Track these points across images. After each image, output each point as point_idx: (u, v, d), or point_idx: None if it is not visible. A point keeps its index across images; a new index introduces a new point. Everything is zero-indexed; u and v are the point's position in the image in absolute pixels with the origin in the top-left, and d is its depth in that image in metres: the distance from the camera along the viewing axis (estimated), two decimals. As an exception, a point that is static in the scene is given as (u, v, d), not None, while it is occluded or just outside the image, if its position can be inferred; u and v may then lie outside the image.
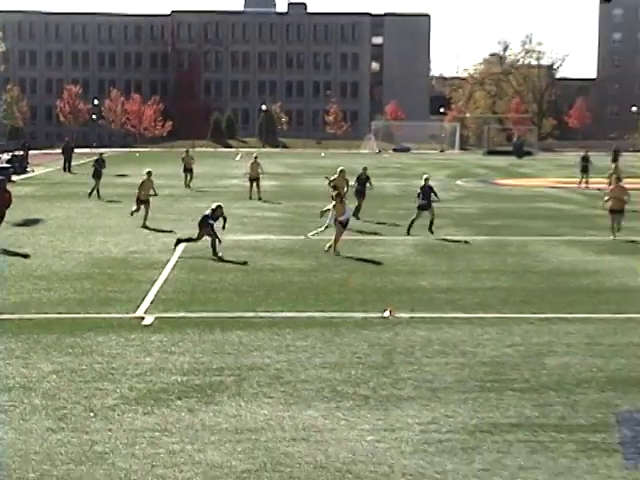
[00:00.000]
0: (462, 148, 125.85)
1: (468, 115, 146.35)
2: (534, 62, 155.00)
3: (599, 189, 47.13)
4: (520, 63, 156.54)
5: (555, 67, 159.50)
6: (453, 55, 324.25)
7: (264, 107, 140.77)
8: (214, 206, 26.16)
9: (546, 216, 37.03)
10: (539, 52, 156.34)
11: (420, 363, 14.42)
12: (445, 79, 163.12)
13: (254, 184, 43.97)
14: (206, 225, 25.64)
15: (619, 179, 28.79)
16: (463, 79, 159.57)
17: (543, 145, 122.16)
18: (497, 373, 13.88)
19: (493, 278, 22.41)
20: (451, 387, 13.16)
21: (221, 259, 24.81)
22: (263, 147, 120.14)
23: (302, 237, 28.97)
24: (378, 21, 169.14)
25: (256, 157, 45.66)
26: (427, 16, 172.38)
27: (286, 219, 35.56)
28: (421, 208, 30.30)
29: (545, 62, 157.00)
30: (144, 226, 31.64)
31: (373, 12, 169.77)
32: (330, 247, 26.15)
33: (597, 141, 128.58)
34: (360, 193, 35.90)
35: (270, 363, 14.37)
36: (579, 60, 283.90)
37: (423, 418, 11.80)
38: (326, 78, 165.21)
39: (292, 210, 39.22)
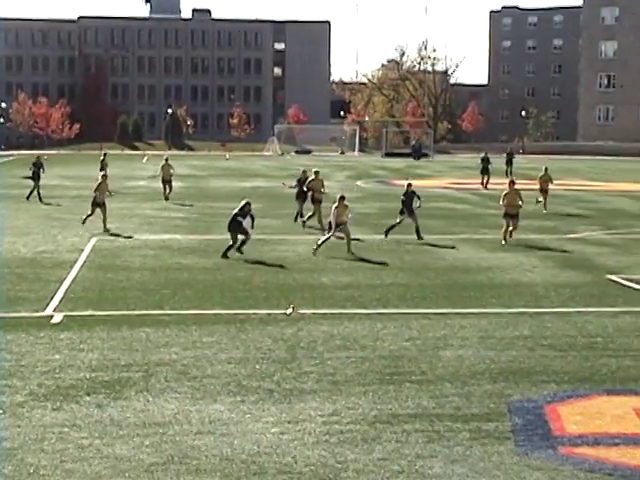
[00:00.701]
0: (361, 150, 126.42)
1: (367, 118, 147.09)
2: (429, 68, 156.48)
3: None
4: (416, 69, 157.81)
5: (449, 73, 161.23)
6: (352, 60, 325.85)
7: (170, 111, 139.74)
8: (243, 203, 25.60)
9: (442, 215, 37.41)
10: (434, 59, 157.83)
11: (322, 357, 14.47)
12: (345, 84, 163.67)
13: (166, 185, 43.54)
14: (237, 224, 25.15)
15: (513, 182, 28.84)
16: (362, 84, 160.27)
17: (438, 147, 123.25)
18: (396, 366, 13.99)
19: (392, 275, 22.58)
20: (352, 380, 13.23)
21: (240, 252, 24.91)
22: (169, 149, 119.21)
23: (210, 237, 28.77)
24: (280, 27, 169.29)
25: (167, 159, 45.29)
26: (327, 23, 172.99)
27: (192, 219, 35.37)
28: (403, 214, 29.25)
29: (440, 68, 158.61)
30: (105, 230, 30.31)
31: (275, 19, 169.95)
32: (348, 250, 25.95)
33: (489, 144, 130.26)
34: (300, 194, 33.79)
35: (177, 359, 14.29)
36: (472, 66, 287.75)
37: (325, 410, 11.85)
38: (230, 83, 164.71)
39: (198, 211, 39.02)
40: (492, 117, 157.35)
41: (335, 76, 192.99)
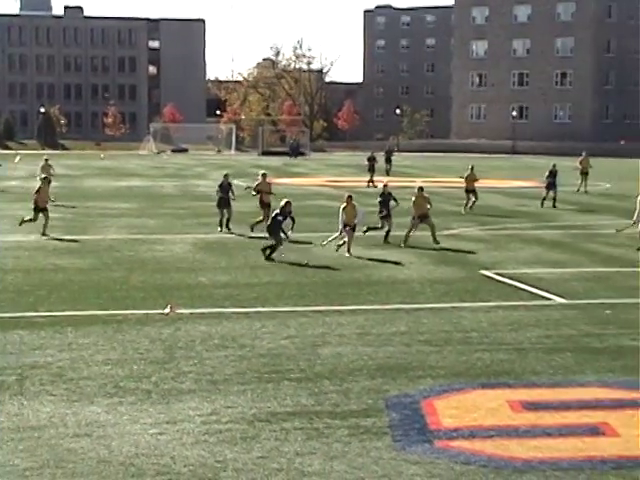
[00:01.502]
0: (238, 149, 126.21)
1: (243, 117, 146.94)
2: (305, 67, 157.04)
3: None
4: (292, 67, 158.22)
5: (324, 72, 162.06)
6: (228, 59, 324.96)
7: (42, 109, 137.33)
8: (283, 202, 25.12)
9: (318, 213, 37.57)
10: (309, 57, 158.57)
11: (201, 357, 14.40)
12: (221, 82, 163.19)
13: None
14: (278, 224, 24.65)
15: (421, 189, 28.75)
16: (238, 82, 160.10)
17: (314, 146, 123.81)
18: (274, 364, 14.00)
19: (269, 273, 22.60)
20: (231, 379, 13.20)
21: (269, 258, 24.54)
22: (43, 149, 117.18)
23: (85, 237, 28.29)
24: (154, 26, 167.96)
25: (47, 159, 44.50)
26: (202, 21, 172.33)
27: (67, 219, 34.83)
28: (383, 217, 28.69)
29: (315, 67, 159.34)
30: (44, 234, 29.53)
31: (149, 17, 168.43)
32: (348, 251, 25.79)
33: (364, 142, 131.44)
34: (224, 201, 31.14)
35: (52, 361, 14.05)
36: (347, 65, 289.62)
37: (204, 410, 11.79)
38: (104, 81, 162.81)
39: (73, 210, 38.45)
40: (367, 115, 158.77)
41: (211, 75, 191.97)
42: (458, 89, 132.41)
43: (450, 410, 11.92)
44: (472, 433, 11.02)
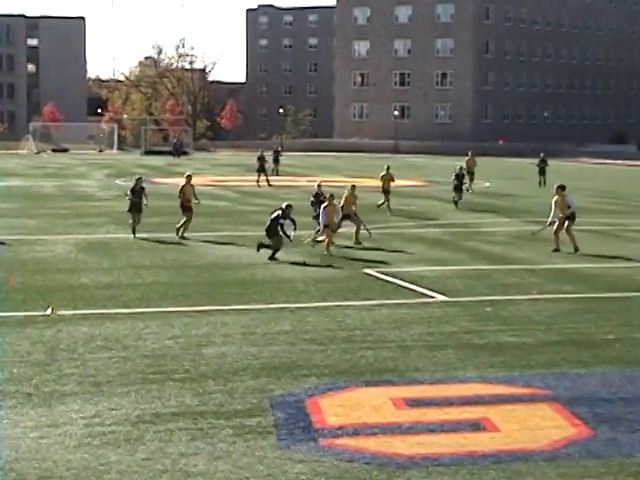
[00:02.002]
0: (120, 148, 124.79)
1: (125, 116, 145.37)
2: (187, 66, 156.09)
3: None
4: (174, 66, 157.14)
5: (207, 71, 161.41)
6: (109, 58, 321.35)
7: None
8: (284, 205, 24.91)
9: (202, 213, 37.33)
10: (192, 56, 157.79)
11: (83, 359, 14.21)
12: (102, 81, 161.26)
13: None
14: (277, 226, 24.52)
15: (354, 187, 28.79)
16: (120, 81, 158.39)
17: (198, 145, 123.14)
18: (158, 365, 13.90)
19: (153, 274, 22.43)
20: (114, 380, 13.06)
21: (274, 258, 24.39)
22: None
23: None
24: (33, 23, 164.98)
25: None
26: (82, 19, 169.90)
27: (-57, 220, 34.01)
28: (317, 218, 28.38)
29: (198, 66, 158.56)
30: None
31: (28, 14, 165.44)
32: (327, 249, 25.91)
33: (248, 141, 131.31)
34: (136, 206, 29.58)
35: None
36: (230, 64, 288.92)
37: (87, 412, 11.64)
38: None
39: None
40: (251, 115, 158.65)
41: (92, 73, 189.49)
42: (340, 89, 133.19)
43: (334, 408, 11.99)
44: (356, 431, 11.11)
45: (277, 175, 60.93)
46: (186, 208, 29.58)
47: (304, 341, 15.57)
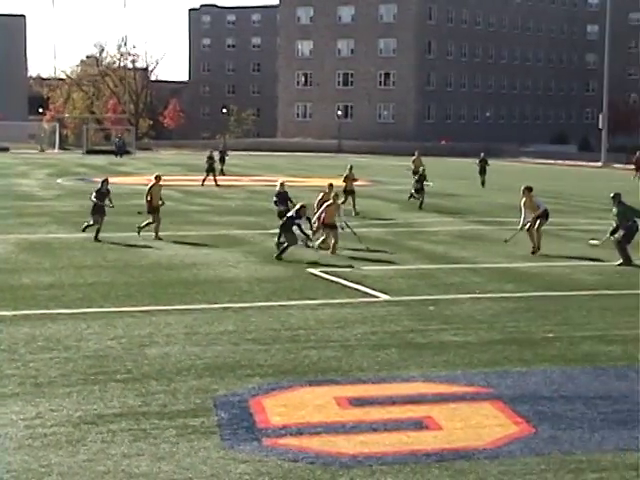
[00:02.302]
0: (62, 147, 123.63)
1: (67, 115, 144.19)
2: (130, 65, 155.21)
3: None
4: (116, 65, 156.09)
5: (150, 70, 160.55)
6: (50, 56, 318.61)
7: None
8: (298, 206, 24.97)
9: (146, 213, 37.11)
10: (134, 55, 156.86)
11: (24, 360, 14.07)
12: (43, 79, 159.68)
13: None
14: (292, 225, 24.79)
15: (331, 185, 28.60)
16: (61, 80, 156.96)
17: (140, 144, 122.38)
18: (101, 366, 13.80)
19: (95, 274, 22.26)
20: (56, 381, 12.94)
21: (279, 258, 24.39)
22: None
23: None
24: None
25: None
26: (22, 17, 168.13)
27: None
28: (280, 215, 28.14)
29: (140, 65, 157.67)
30: None
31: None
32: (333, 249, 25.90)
33: (191, 141, 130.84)
34: (99, 209, 28.60)
35: None
36: (172, 63, 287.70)
37: (28, 414, 11.53)
38: None
39: None
40: (194, 114, 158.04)
41: (33, 72, 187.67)
42: (284, 88, 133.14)
43: (278, 408, 11.99)
44: (300, 430, 11.11)
45: (223, 175, 60.86)
46: (154, 209, 29.21)
47: (248, 341, 15.54)
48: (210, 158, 55.56)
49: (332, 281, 21.72)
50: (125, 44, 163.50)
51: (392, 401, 12.28)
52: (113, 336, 15.71)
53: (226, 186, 53.15)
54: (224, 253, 26.01)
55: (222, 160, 64.11)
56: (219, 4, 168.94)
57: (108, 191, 29.13)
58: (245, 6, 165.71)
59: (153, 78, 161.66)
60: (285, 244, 25.27)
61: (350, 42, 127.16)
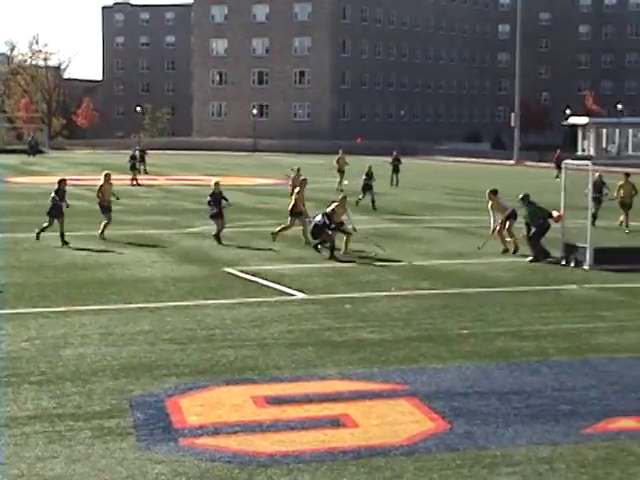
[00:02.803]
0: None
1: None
2: (42, 63, 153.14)
3: None
4: (28, 63, 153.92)
5: (62, 68, 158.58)
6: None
7: None
8: (329, 211, 25.49)
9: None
10: (46, 53, 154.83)
11: None
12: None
13: None
14: (323, 229, 25.18)
15: (305, 181, 28.83)
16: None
17: (54, 144, 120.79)
18: (14, 367, 13.61)
19: (8, 274, 21.93)
20: (-33, 385, 12.74)
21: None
22: None
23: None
24: None
25: None
26: None
27: None
28: (214, 217, 28.17)
29: (53, 63, 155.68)
30: None
31: None
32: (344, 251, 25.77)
33: (105, 140, 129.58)
34: (56, 209, 27.72)
35: None
36: (86, 62, 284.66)
37: (-61, 418, 11.33)
38: None
39: None
40: (108, 113, 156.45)
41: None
42: (199, 87, 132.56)
43: (195, 408, 11.94)
44: (217, 430, 11.09)
45: (147, 174, 60.59)
46: (106, 208, 28.79)
47: (164, 341, 15.46)
48: (133, 157, 55.35)
49: (249, 280, 21.69)
50: (37, 42, 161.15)
51: (309, 399, 12.31)
52: (27, 337, 15.51)
53: (142, 185, 52.74)
54: (139, 253, 25.82)
55: (142, 159, 63.85)
56: (132, 2, 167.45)
57: (64, 192, 28.42)
58: (159, 4, 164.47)
59: (66, 76, 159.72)
60: (327, 244, 25.52)
61: (265, 41, 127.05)
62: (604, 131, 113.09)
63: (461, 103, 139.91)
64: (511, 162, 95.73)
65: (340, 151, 54.27)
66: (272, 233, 28.02)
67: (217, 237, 27.90)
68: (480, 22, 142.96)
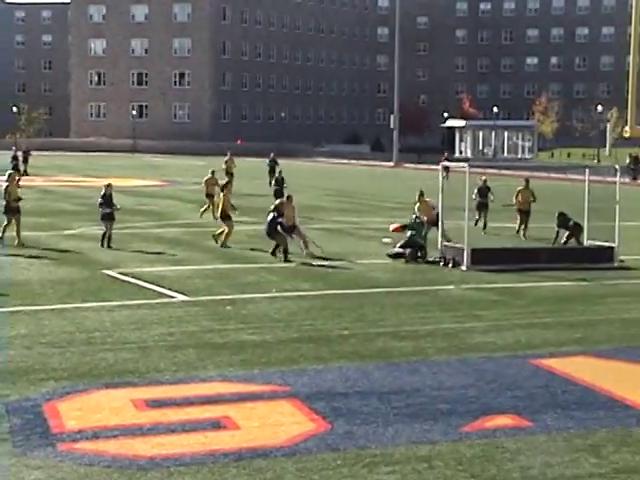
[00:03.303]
0: None
1: None
2: None
3: None
4: None
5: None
6: None
7: None
8: (277, 203, 26.33)
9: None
10: None
11: None
12: None
13: None
14: (276, 226, 25.55)
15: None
16: None
17: None
18: None
19: None
20: None
21: None
22: None
23: None
24: None
25: None
26: None
27: None
28: (105, 219, 27.49)
29: None
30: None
31: None
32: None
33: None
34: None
35: None
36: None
37: None
38: None
39: None
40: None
41: None
42: (77, 87, 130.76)
43: (73, 412, 11.77)
44: (96, 434, 10.95)
45: (27, 175, 59.63)
46: (13, 209, 27.77)
47: (41, 344, 15.20)
48: (14, 158, 54.64)
49: (129, 282, 21.48)
50: None
51: (190, 402, 12.25)
52: None
53: (21, 187, 51.74)
54: (16, 254, 25.33)
55: (25, 160, 63.04)
56: (6, 0, 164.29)
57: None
58: (35, 2, 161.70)
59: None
60: (278, 246, 25.56)
61: (144, 41, 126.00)
62: (480, 133, 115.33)
63: (341, 105, 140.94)
64: (390, 164, 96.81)
65: (228, 153, 54.13)
66: (221, 245, 27.70)
67: (108, 239, 27.44)
68: (360, 25, 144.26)
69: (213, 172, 37.72)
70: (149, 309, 18.39)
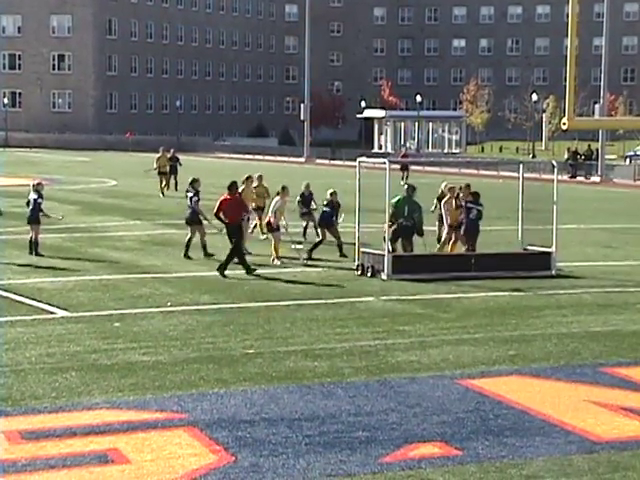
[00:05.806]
0: None
1: None
2: None
3: None
4: None
5: None
6: None
7: None
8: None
9: None
10: None
11: None
12: None
13: None
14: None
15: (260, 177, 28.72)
16: None
17: None
18: None
19: None
20: None
21: None
22: None
23: None
24: None
25: None
26: None
27: None
28: (30, 222, 27.70)
29: None
30: None
31: None
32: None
33: None
34: None
35: None
36: None
37: None
38: None
39: None
40: None
41: None
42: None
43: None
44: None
45: None
46: None
47: None
48: None
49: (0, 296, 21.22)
50: None
51: (72, 432, 12.13)
52: None
53: None
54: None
55: None
56: None
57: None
58: None
59: None
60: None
61: (17, 18, 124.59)
62: (402, 125, 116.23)
63: (244, 93, 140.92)
64: (301, 160, 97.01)
65: (160, 149, 53.13)
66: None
67: (35, 244, 27.49)
68: (265, 2, 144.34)
69: (261, 177, 32.61)
70: (24, 327, 18.17)
